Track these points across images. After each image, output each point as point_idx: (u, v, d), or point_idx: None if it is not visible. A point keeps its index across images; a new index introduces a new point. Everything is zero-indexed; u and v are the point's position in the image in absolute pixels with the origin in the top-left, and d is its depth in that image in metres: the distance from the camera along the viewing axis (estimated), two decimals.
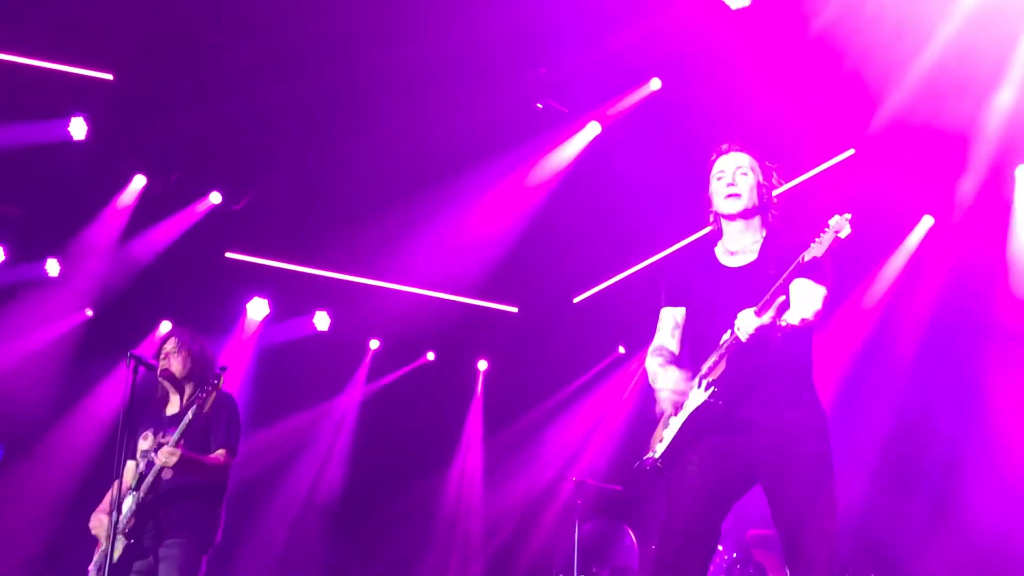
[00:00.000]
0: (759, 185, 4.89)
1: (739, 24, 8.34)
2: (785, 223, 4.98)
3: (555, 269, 11.42)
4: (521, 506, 12.14)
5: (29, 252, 10.39)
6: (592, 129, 9.69)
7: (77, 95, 9.15)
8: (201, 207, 10.28)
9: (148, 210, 10.22)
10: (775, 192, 5.00)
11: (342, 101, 9.33)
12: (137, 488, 6.14)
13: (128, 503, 6.14)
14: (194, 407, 6.02)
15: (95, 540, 6.37)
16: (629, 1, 8.28)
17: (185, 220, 10.32)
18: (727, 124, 5.13)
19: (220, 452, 6.29)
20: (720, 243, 4.99)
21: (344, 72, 8.98)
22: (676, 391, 4.71)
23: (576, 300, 11.98)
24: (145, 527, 6.15)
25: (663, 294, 5.07)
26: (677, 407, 4.72)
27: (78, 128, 9.36)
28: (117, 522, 6.01)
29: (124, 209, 10.14)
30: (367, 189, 10.07)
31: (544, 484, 11.98)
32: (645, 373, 5.04)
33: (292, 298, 11.59)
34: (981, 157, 9.14)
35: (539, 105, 9.35)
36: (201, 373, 6.42)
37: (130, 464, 6.31)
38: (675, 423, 4.71)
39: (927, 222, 10.09)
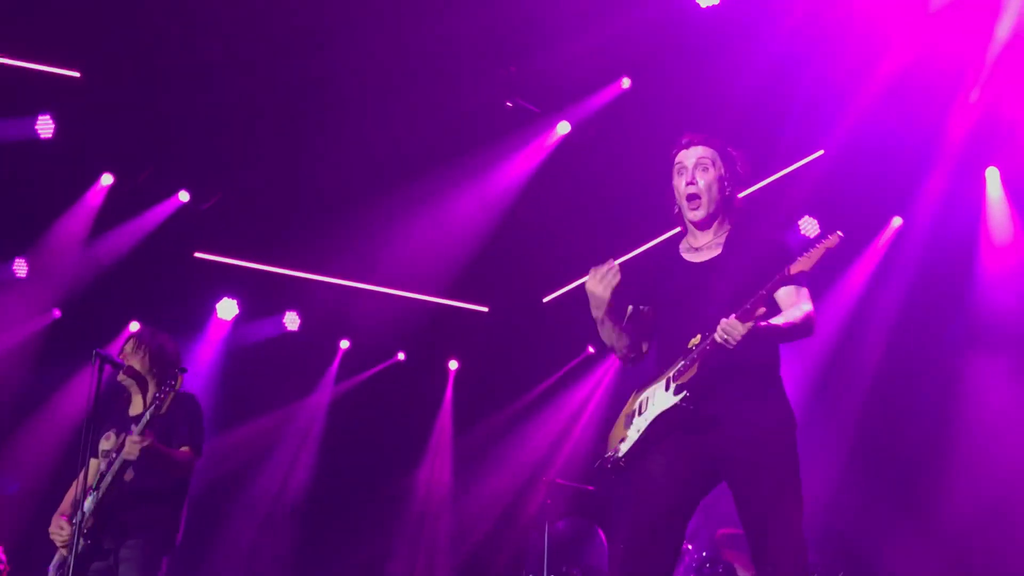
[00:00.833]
0: (720, 179, 4.86)
1: (709, 23, 8.37)
2: (748, 215, 4.97)
3: (525, 269, 11.42)
4: (491, 506, 12.12)
5: None
6: (562, 128, 9.70)
7: (44, 93, 9.09)
8: (169, 206, 10.23)
9: (116, 209, 10.16)
10: (742, 189, 4.98)
11: (311, 100, 9.31)
12: (97, 488, 6.08)
13: (88, 503, 6.07)
14: (152, 407, 5.97)
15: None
16: (599, 0, 8.30)
17: (153, 219, 10.26)
18: (697, 123, 5.14)
19: (184, 449, 6.24)
20: (684, 239, 5.00)
21: (313, 71, 8.97)
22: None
23: (546, 300, 11.98)
24: (105, 527, 6.07)
25: (631, 292, 5.03)
26: (640, 407, 4.71)
27: (45, 126, 9.30)
28: (80, 523, 5.96)
29: (92, 208, 10.08)
30: (337, 188, 10.04)
31: (514, 484, 11.97)
32: (615, 373, 5.05)
33: (262, 298, 11.54)
34: (951, 158, 9.20)
35: (509, 104, 9.36)
36: (162, 372, 6.34)
37: (93, 462, 6.24)
38: (639, 423, 4.69)
39: (896, 223, 10.14)
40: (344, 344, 12.46)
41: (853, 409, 9.93)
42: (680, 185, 4.87)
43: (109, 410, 6.51)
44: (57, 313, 10.84)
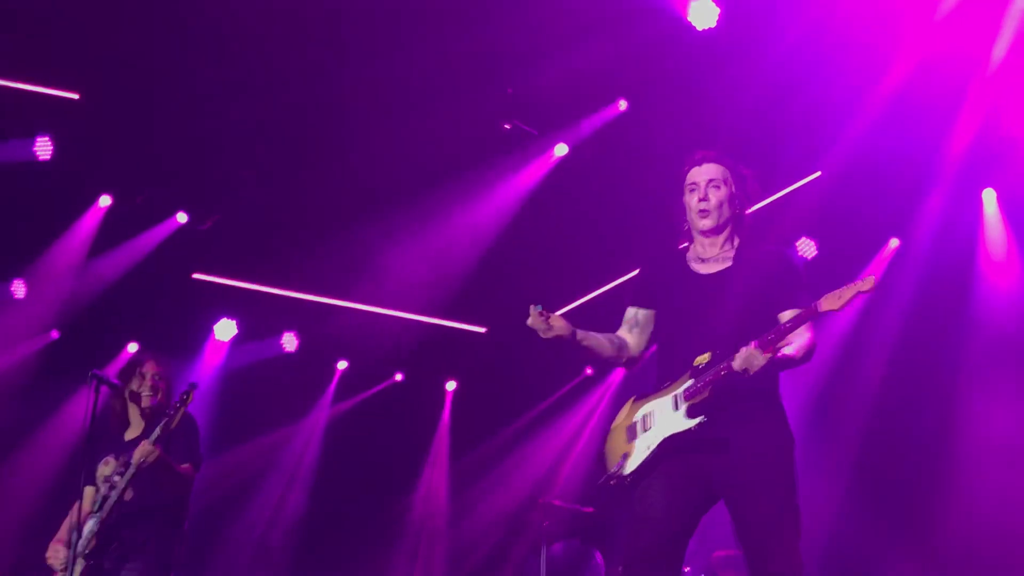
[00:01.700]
0: (731, 196, 4.85)
1: (705, 45, 8.39)
2: (756, 231, 4.98)
3: (523, 290, 11.38)
4: (489, 528, 12.09)
5: None
6: (560, 150, 9.72)
7: (43, 115, 9.11)
8: (167, 227, 10.24)
9: (114, 230, 10.17)
10: (751, 206, 4.97)
11: (309, 121, 9.33)
12: (99, 510, 6.06)
13: (89, 526, 6.05)
14: (163, 422, 5.96)
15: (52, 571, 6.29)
16: (596, 22, 8.32)
17: (151, 240, 10.27)
18: (693, 144, 5.15)
19: (185, 466, 6.24)
20: (692, 249, 4.97)
21: (312, 93, 8.99)
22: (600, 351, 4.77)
23: None
24: (106, 549, 6.05)
25: (629, 293, 5.06)
26: (645, 422, 4.69)
27: (43, 148, 9.32)
28: (76, 544, 5.93)
29: (90, 229, 10.08)
30: (335, 209, 10.06)
31: (512, 506, 11.94)
32: (613, 394, 5.02)
33: (260, 319, 11.54)
34: (947, 179, 9.22)
35: (506, 126, 9.37)
36: (173, 395, 6.34)
37: (88, 490, 6.20)
38: (648, 439, 4.66)
39: (893, 244, 10.15)
40: (342, 365, 12.45)
41: (853, 431, 9.92)
42: (692, 202, 4.87)
43: (104, 435, 6.48)
44: (55, 334, 10.83)
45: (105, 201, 10.07)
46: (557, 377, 12.59)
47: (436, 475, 12.73)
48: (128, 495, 6.06)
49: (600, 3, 8.25)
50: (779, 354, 4.44)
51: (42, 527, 6.52)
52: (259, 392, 11.70)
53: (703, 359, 4.56)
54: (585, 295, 11.39)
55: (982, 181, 9.40)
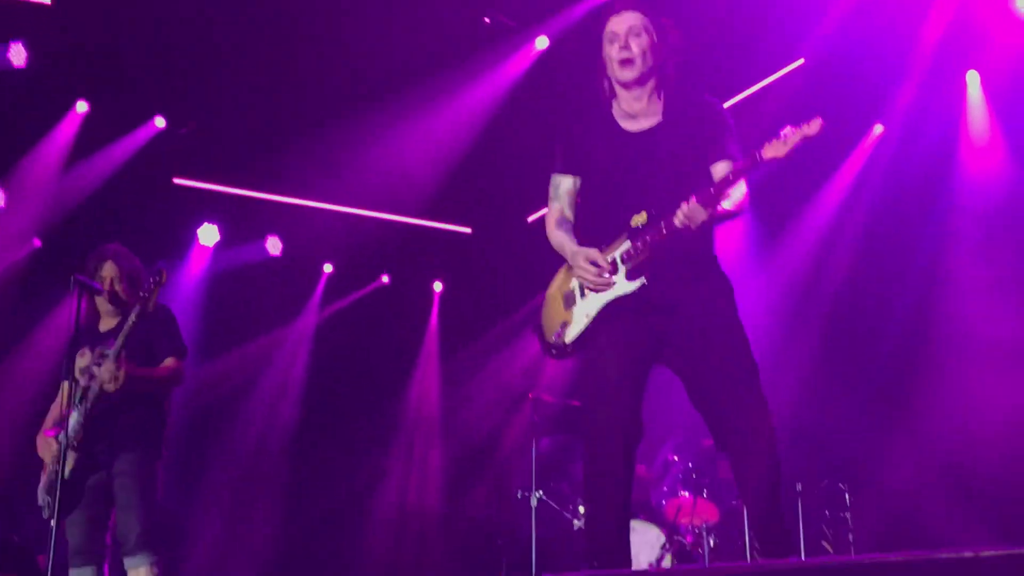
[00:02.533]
0: (653, 45, 4.63)
1: None
2: (681, 83, 4.75)
3: (508, 188, 11.37)
4: (480, 426, 12.18)
5: None
6: (540, 43, 9.61)
7: (15, 21, 8.96)
8: (146, 132, 10.14)
9: (92, 136, 10.07)
10: (676, 58, 4.73)
11: (287, 20, 9.20)
12: (82, 402, 6.05)
13: (75, 417, 6.05)
14: (136, 309, 5.94)
15: (42, 466, 6.32)
16: None
17: (130, 145, 10.18)
18: (677, 31, 5.05)
19: (169, 360, 6.24)
20: (616, 104, 4.75)
21: None
22: (597, 271, 4.51)
23: (530, 219, 11.95)
24: (96, 439, 6.08)
25: (558, 159, 4.84)
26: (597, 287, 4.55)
27: (18, 55, 9.18)
28: (65, 439, 5.95)
29: (68, 136, 9.98)
30: (315, 110, 9.96)
31: (503, 403, 12.02)
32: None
33: (243, 223, 11.48)
34: (930, 63, 9.15)
35: (486, 19, 9.25)
36: (137, 289, 6.29)
37: (64, 385, 6.17)
38: (587, 306, 4.58)
39: (877, 130, 10.12)
40: (328, 268, 12.43)
41: (833, 317, 9.93)
42: (612, 52, 4.64)
43: (80, 331, 6.47)
44: (37, 243, 10.77)
45: (82, 107, 9.95)
46: (544, 275, 12.55)
47: (427, 376, 12.79)
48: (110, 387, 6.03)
49: None
50: (719, 209, 4.36)
51: (31, 434, 6.53)
52: (247, 298, 11.68)
53: (639, 219, 4.46)
54: None
55: (965, 63, 9.33)
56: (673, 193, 4.39)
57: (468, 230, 12.19)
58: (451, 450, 12.41)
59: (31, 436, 6.47)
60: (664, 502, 8.95)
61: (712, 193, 4.31)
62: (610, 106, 4.76)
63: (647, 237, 4.42)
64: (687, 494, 8.84)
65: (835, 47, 9.00)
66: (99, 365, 6.02)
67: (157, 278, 5.98)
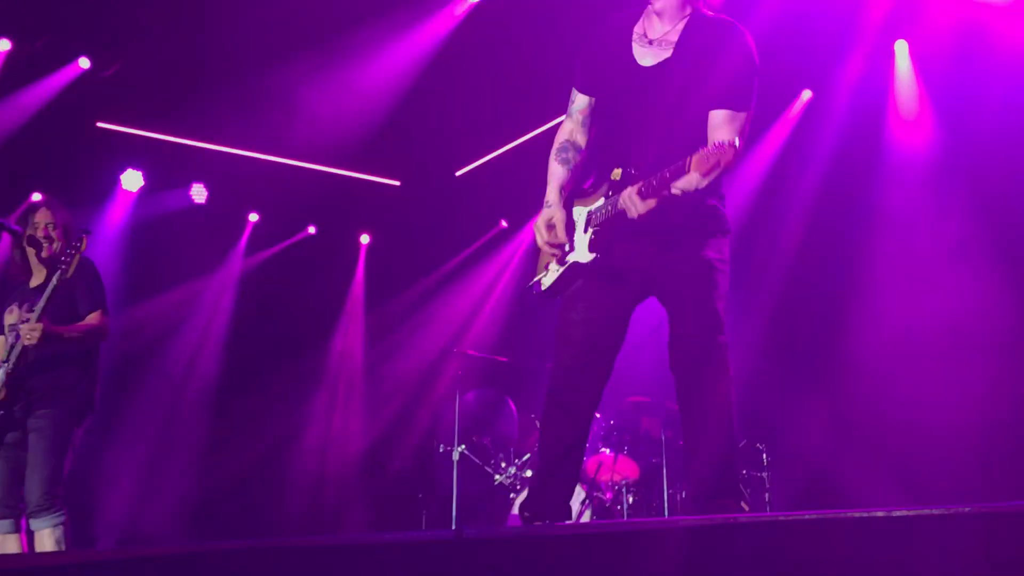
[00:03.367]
0: None
1: None
2: (705, 14, 4.49)
3: (437, 142, 11.31)
4: (405, 379, 12.18)
5: None
6: None
7: None
8: (69, 72, 9.91)
9: (14, 76, 9.83)
10: None
11: None
12: (7, 360, 6.00)
13: None
14: (58, 273, 5.89)
15: None
16: None
17: (53, 86, 9.95)
18: None
19: (92, 315, 6.18)
20: (641, 23, 4.53)
21: None
22: (549, 239, 4.48)
23: (459, 173, 11.93)
24: (16, 398, 6.03)
25: (577, 73, 4.66)
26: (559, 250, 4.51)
27: None
28: None
29: None
30: (244, 55, 9.77)
31: (427, 357, 12.02)
32: (527, 248, 4.84)
33: (167, 170, 11.32)
34: (861, 30, 9.21)
35: None
36: (70, 239, 6.24)
37: (0, 339, 6.15)
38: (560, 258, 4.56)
39: (806, 96, 10.20)
40: (253, 217, 12.32)
41: (754, 285, 10.01)
42: None
43: (8, 283, 6.39)
44: None
45: (4, 45, 9.71)
46: (472, 230, 12.59)
47: (352, 328, 12.75)
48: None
49: None
50: (666, 193, 4.11)
51: None
52: (170, 245, 11.53)
53: (616, 174, 4.37)
54: (499, 148, 11.33)
55: (895, 32, 9.40)
56: (658, 149, 4.27)
57: (397, 183, 12.14)
58: (374, 403, 12.39)
59: None
60: (585, 459, 9.02)
61: (653, 185, 4.13)
62: (634, 21, 4.55)
63: (606, 210, 4.38)
64: (608, 451, 8.93)
65: (767, 11, 9.01)
66: (26, 323, 5.95)
67: (77, 244, 5.92)
